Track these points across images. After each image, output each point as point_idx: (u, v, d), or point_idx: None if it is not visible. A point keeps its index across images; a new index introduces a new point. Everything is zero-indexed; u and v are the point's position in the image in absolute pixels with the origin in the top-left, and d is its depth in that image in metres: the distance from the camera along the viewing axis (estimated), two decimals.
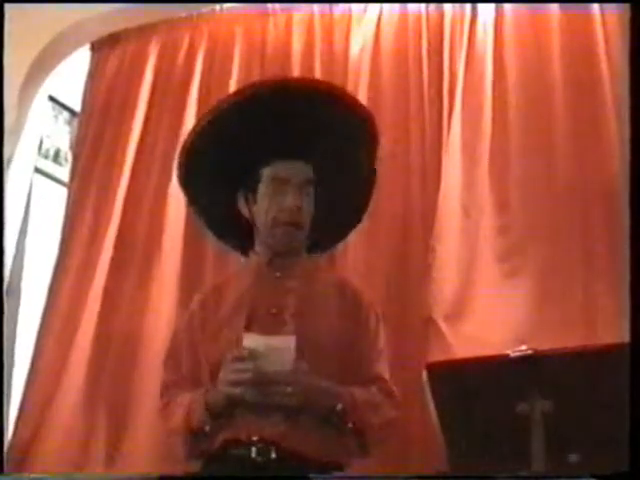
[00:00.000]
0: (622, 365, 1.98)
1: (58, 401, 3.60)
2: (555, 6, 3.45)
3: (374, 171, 2.46)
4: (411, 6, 3.73)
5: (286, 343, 2.06)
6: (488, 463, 2.11)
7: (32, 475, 3.41)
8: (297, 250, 2.34)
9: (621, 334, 2.52)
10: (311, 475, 2.05)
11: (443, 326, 3.12)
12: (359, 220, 2.53)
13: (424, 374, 2.21)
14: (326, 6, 3.88)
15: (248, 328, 2.17)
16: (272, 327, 2.18)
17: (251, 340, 2.08)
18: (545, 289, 3.08)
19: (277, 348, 2.05)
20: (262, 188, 2.28)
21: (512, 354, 2.10)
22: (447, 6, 3.65)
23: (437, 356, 2.99)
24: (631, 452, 1.87)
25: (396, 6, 3.76)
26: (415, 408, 2.72)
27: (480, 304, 3.15)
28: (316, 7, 3.89)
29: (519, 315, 3.04)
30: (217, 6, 4.09)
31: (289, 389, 2.03)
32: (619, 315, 2.79)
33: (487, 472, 2.05)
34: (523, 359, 2.07)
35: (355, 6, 3.83)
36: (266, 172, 2.28)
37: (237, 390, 2.06)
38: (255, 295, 2.29)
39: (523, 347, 2.11)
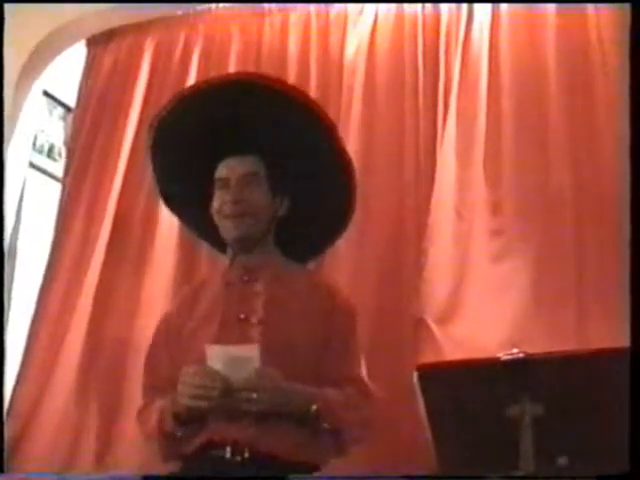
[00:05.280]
0: (613, 369, 1.99)
1: (48, 400, 3.59)
2: (551, 8, 3.46)
3: (347, 168, 2.40)
4: (407, 7, 3.73)
5: (249, 352, 2.06)
6: (478, 466, 2.11)
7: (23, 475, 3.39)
8: (258, 246, 2.32)
9: (612, 338, 2.54)
10: (290, 476, 2.05)
11: (435, 328, 3.12)
12: (343, 223, 2.49)
13: (415, 375, 2.21)
14: (322, 6, 3.88)
15: (218, 335, 2.18)
16: (240, 333, 2.19)
17: (214, 351, 2.07)
18: (537, 292, 3.08)
19: (241, 357, 2.05)
20: (215, 190, 2.33)
21: (503, 357, 2.09)
22: (443, 7, 3.65)
23: (428, 358, 2.99)
24: (631, 453, 1.88)
25: (392, 7, 3.76)
26: (405, 409, 2.72)
27: (472, 306, 3.15)
28: (312, 7, 3.89)
29: (511, 318, 3.05)
30: (213, 5, 4.09)
31: (254, 395, 2.03)
32: (610, 319, 2.80)
33: (476, 473, 2.06)
34: (514, 362, 2.07)
35: (351, 6, 3.83)
36: (216, 174, 2.33)
37: (203, 404, 2.05)
38: (225, 301, 2.29)
39: (514, 350, 2.11)
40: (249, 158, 2.32)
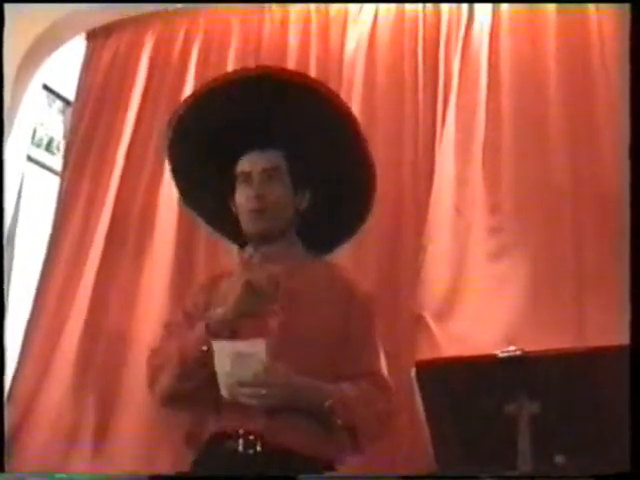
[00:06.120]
0: (611, 367, 1.99)
1: (46, 391, 3.59)
2: (551, 7, 3.45)
3: (367, 162, 2.41)
4: (408, 4, 3.72)
5: (256, 347, 2.07)
6: (475, 463, 2.11)
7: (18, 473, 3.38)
8: (279, 239, 2.33)
9: (611, 336, 2.54)
10: (300, 476, 2.04)
11: (433, 324, 3.12)
12: (364, 215, 2.51)
13: (413, 372, 2.21)
14: None
15: (237, 325, 2.17)
16: (258, 323, 2.18)
17: (220, 347, 2.08)
18: (535, 290, 3.08)
19: (247, 352, 2.06)
20: (237, 184, 2.33)
21: (500, 354, 2.09)
22: (444, 5, 3.65)
23: (426, 354, 2.99)
24: (632, 452, 1.88)
25: (393, 4, 3.75)
26: (403, 406, 2.72)
27: (470, 304, 3.15)
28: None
29: (509, 315, 3.05)
30: None
31: (263, 391, 2.04)
32: (609, 317, 2.80)
33: (474, 472, 2.06)
34: (511, 360, 2.07)
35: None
36: (237, 168, 2.33)
37: None
38: None
39: (511, 348, 2.11)
40: (271, 152, 2.32)
